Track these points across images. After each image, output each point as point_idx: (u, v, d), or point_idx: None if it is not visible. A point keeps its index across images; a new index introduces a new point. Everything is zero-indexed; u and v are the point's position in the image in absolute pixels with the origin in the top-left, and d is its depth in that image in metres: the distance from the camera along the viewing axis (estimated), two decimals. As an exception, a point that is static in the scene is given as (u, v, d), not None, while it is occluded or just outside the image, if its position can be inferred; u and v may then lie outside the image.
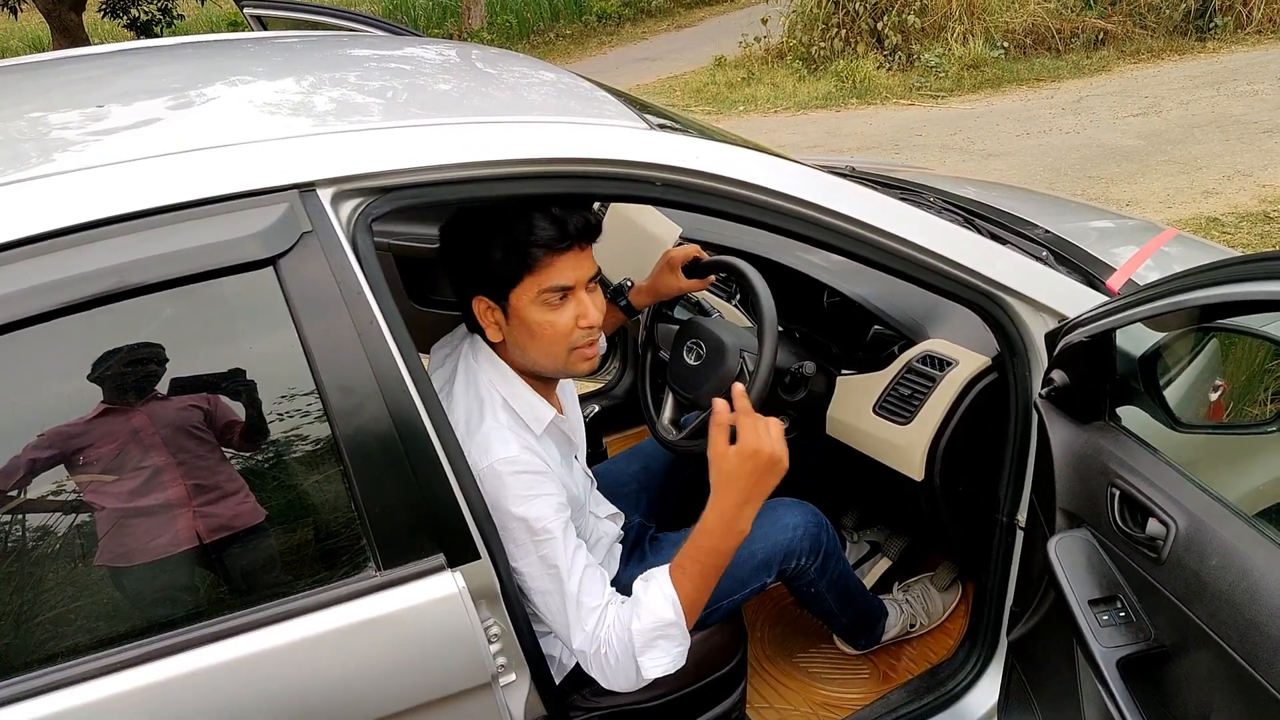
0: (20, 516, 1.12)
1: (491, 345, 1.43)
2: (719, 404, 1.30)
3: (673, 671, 1.32)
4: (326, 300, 1.12)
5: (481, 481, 1.27)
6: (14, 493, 1.09)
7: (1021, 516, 1.63)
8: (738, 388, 1.31)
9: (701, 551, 1.32)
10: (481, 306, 1.38)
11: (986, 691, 1.75)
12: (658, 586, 1.31)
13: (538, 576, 1.31)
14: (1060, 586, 1.33)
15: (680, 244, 2.32)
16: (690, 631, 1.34)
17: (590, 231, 1.35)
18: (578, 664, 1.52)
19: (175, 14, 10.96)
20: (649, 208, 2.38)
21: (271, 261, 1.10)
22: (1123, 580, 1.30)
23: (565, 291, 1.35)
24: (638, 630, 1.29)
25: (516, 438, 1.35)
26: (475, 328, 1.44)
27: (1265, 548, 1.10)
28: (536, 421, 1.42)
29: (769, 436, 1.28)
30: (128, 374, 1.13)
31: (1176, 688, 1.20)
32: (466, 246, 1.36)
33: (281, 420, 1.18)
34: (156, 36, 10.32)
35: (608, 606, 1.32)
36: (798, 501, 1.81)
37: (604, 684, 1.33)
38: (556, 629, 1.33)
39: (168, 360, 1.13)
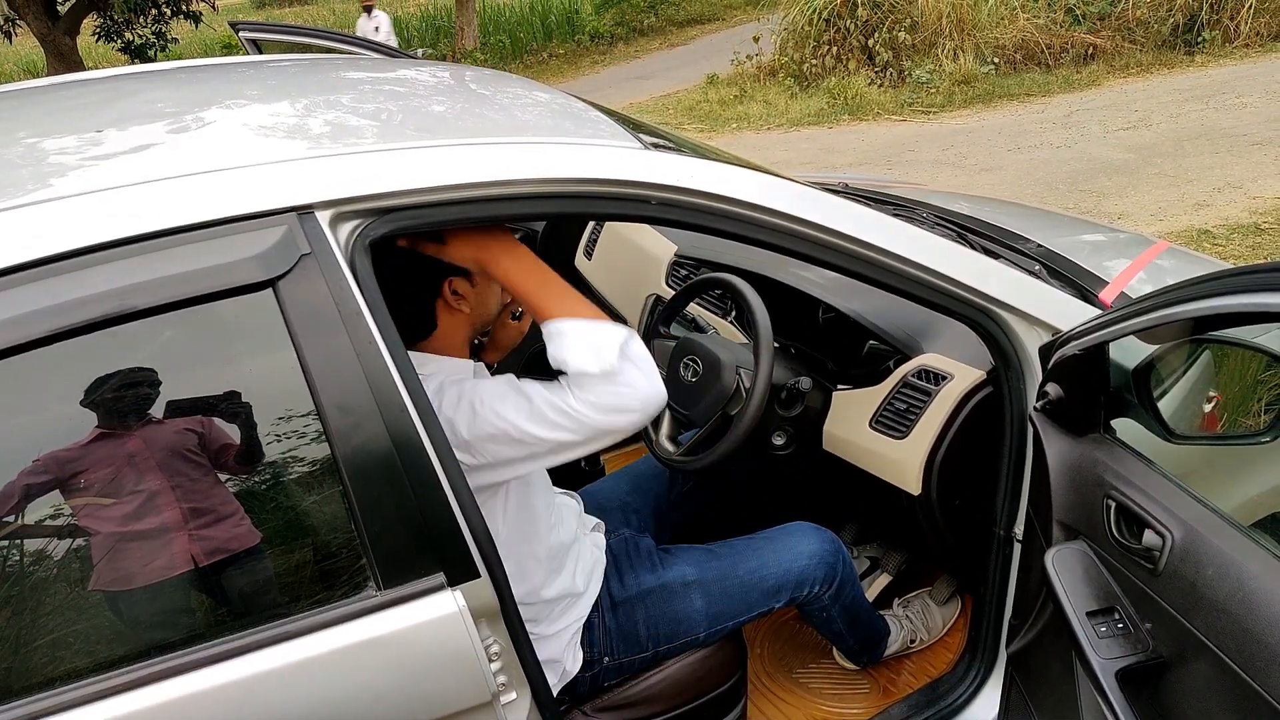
0: (16, 541, 1.12)
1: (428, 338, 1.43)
2: None
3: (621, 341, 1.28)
4: (325, 321, 1.13)
5: (469, 401, 1.29)
6: (10, 518, 1.09)
7: (1018, 529, 1.63)
8: None
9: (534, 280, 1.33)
10: (449, 290, 1.39)
11: (986, 704, 1.75)
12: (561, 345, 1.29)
13: (544, 423, 1.27)
14: (1058, 599, 1.33)
15: (675, 261, 2.33)
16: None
17: None
18: (579, 674, 1.55)
19: (169, 37, 11.00)
20: (645, 226, 2.40)
21: (271, 284, 1.11)
22: (1120, 592, 1.30)
23: None
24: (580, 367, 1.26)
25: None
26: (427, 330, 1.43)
27: (1261, 558, 1.11)
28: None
29: None
30: (131, 397, 1.13)
31: (1175, 699, 1.20)
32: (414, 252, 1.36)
33: (281, 441, 1.18)
34: (151, 60, 10.36)
35: (553, 391, 1.29)
36: (814, 527, 1.80)
37: (633, 396, 1.26)
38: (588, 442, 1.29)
39: (172, 383, 1.14)
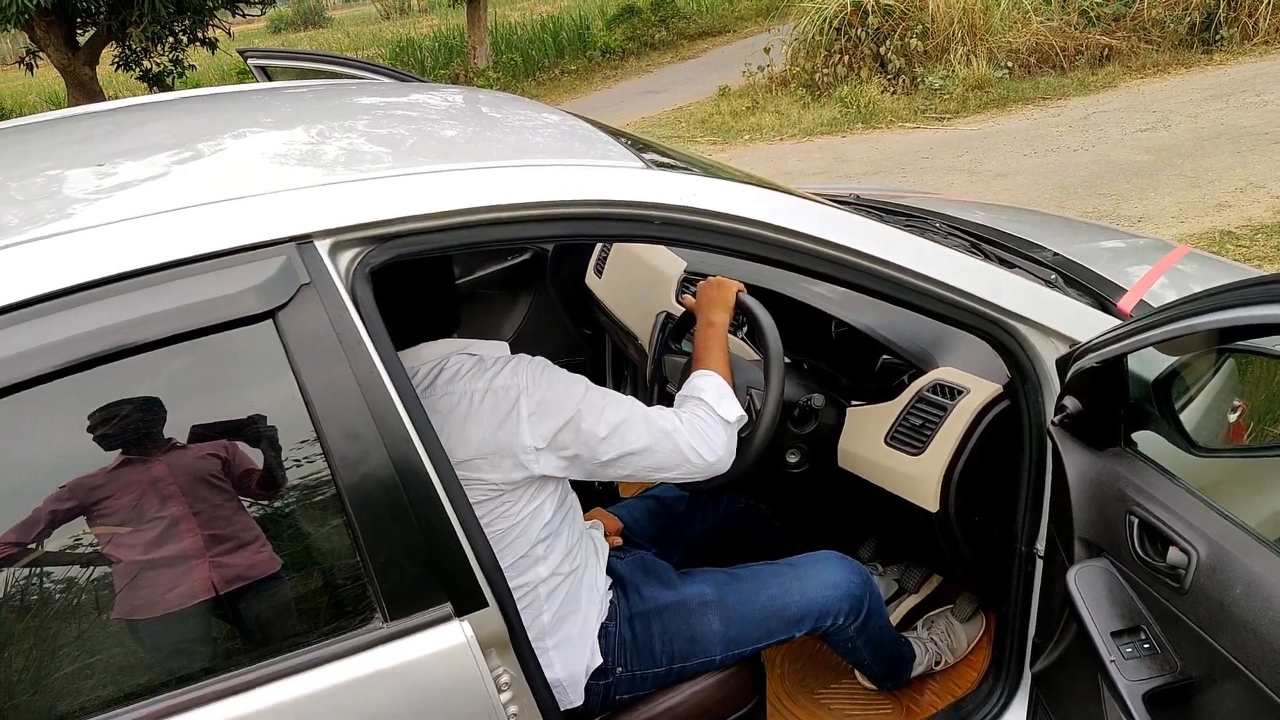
0: (40, 569, 1.12)
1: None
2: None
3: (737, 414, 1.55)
4: (326, 351, 1.12)
5: (533, 388, 1.38)
6: (32, 546, 1.09)
7: (1040, 546, 1.60)
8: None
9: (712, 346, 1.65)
10: None
11: (1012, 725, 1.71)
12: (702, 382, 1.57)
13: (630, 439, 1.42)
14: (1081, 618, 1.30)
15: (685, 277, 2.32)
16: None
17: None
18: (591, 681, 1.54)
19: (186, 64, 11.14)
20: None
21: (270, 315, 1.10)
22: (1145, 611, 1.27)
23: None
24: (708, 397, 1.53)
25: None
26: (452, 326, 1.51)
27: (1290, 575, 1.07)
28: None
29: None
30: (138, 426, 1.13)
31: (1205, 722, 1.16)
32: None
33: (284, 472, 1.17)
34: (169, 87, 10.51)
35: (679, 415, 1.50)
36: (841, 557, 1.77)
37: (720, 443, 1.50)
38: (672, 464, 1.47)
39: (167, 414, 1.13)
